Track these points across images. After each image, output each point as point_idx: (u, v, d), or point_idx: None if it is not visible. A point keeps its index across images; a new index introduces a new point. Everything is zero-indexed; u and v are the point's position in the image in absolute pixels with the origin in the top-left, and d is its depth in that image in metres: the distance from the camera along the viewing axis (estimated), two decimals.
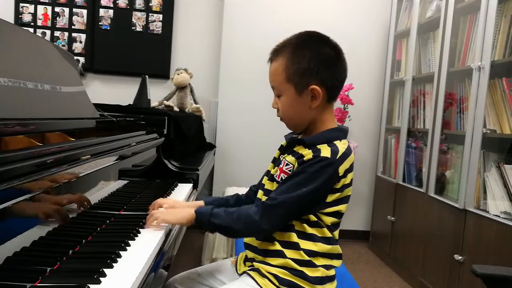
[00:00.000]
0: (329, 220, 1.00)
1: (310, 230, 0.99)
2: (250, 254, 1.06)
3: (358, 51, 3.27)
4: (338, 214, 1.02)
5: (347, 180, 1.00)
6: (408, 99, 2.77)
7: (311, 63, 1.00)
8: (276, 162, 1.10)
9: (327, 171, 0.96)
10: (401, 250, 2.73)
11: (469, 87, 2.13)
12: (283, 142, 1.12)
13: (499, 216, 1.82)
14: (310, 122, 1.05)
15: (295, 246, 0.99)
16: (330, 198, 0.99)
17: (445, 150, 2.38)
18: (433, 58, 2.61)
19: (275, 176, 1.05)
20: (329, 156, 0.96)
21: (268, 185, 1.07)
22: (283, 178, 1.01)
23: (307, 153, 0.98)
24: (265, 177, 1.11)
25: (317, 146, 0.99)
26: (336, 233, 1.04)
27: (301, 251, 0.98)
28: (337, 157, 0.97)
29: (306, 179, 0.96)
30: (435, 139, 2.39)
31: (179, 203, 1.21)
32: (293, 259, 0.98)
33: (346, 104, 3.09)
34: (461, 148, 2.17)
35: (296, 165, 0.99)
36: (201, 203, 1.19)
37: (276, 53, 1.05)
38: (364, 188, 3.39)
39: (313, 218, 0.99)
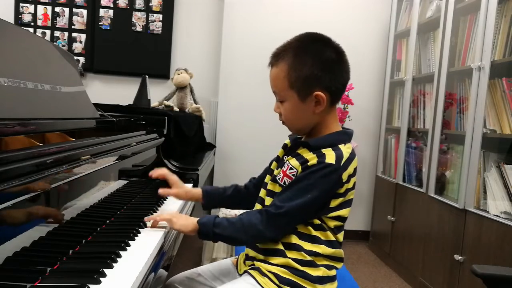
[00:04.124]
0: (332, 223, 1.00)
1: (314, 232, 0.99)
2: (251, 253, 1.06)
3: (358, 51, 3.27)
4: (341, 218, 1.01)
5: (350, 185, 1.00)
6: (408, 99, 2.77)
7: (314, 69, 0.97)
8: (279, 162, 1.09)
9: (331, 178, 0.95)
10: (401, 250, 2.73)
11: (469, 87, 2.13)
12: (286, 140, 1.11)
13: (499, 216, 1.82)
14: (313, 126, 1.04)
15: (297, 248, 0.98)
16: (334, 203, 0.99)
17: (445, 150, 2.38)
18: (433, 58, 2.61)
19: (278, 178, 1.03)
20: (333, 162, 0.95)
21: (271, 186, 1.06)
22: (286, 182, 1.00)
23: (312, 158, 0.97)
24: (268, 176, 1.09)
25: (322, 150, 0.97)
26: (340, 235, 1.03)
27: (303, 252, 0.98)
28: (342, 164, 0.96)
29: (310, 186, 0.95)
30: (435, 139, 2.39)
31: (180, 183, 1.24)
32: (294, 259, 0.98)
33: (346, 104, 3.09)
34: (461, 148, 2.17)
35: (300, 170, 0.98)
36: (198, 190, 1.23)
37: (276, 57, 1.02)
38: (364, 188, 3.39)
39: (316, 221, 0.99)
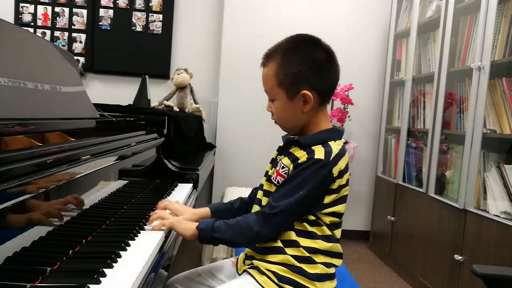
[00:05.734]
0: (327, 219, 1.01)
1: (310, 228, 1.00)
2: (250, 252, 1.07)
3: (358, 51, 3.27)
4: (337, 214, 1.02)
5: (343, 181, 1.01)
6: (408, 99, 2.77)
7: (301, 68, 0.99)
8: (273, 162, 1.11)
9: (321, 173, 0.97)
10: (401, 250, 2.73)
11: (469, 87, 2.13)
12: (281, 143, 1.13)
13: (499, 216, 1.82)
14: (303, 125, 1.05)
15: (295, 244, 0.99)
16: (328, 199, 1.00)
17: (445, 150, 2.38)
18: (433, 58, 2.61)
19: (272, 177, 1.06)
20: (322, 157, 0.97)
21: (266, 186, 1.08)
22: (280, 181, 1.02)
23: (302, 155, 0.99)
24: (264, 178, 1.12)
25: (312, 147, 0.99)
26: (337, 232, 1.04)
27: (301, 248, 0.99)
28: (331, 159, 0.98)
29: (301, 183, 0.97)
30: (435, 139, 2.39)
31: (185, 208, 1.22)
32: (292, 256, 0.99)
33: (346, 104, 3.09)
34: (461, 148, 2.17)
35: (291, 168, 1.00)
36: (206, 210, 1.20)
37: (267, 57, 1.04)
38: (364, 188, 3.39)
39: (311, 217, 1.00)
